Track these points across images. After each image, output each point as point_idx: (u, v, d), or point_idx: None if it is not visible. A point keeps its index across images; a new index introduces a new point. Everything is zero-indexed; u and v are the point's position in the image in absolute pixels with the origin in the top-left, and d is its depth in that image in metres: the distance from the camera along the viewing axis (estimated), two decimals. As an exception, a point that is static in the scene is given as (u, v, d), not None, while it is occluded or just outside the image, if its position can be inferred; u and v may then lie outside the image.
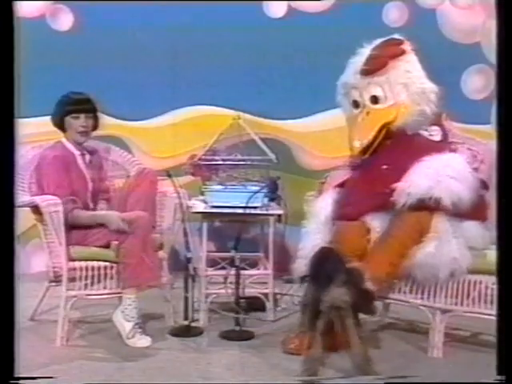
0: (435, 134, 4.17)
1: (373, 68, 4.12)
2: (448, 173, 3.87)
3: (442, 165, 3.91)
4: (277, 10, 5.72)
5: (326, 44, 5.51)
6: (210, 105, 5.70)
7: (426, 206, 3.85)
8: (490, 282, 3.81)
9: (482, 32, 5.46)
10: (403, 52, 4.14)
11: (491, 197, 3.92)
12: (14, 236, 2.56)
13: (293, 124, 5.77)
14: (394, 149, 4.08)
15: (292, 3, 5.72)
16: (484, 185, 4.00)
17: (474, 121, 5.18)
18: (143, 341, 4.14)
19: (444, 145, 4.16)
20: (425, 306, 4.02)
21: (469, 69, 5.69)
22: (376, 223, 4.01)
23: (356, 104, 4.23)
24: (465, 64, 5.68)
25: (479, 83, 5.64)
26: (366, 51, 4.19)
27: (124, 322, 4.16)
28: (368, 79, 4.14)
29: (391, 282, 4.00)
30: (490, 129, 4.83)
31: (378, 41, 4.21)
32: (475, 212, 3.93)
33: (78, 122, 4.34)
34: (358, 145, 4.10)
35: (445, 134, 4.20)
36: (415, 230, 3.89)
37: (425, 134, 4.16)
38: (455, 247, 3.89)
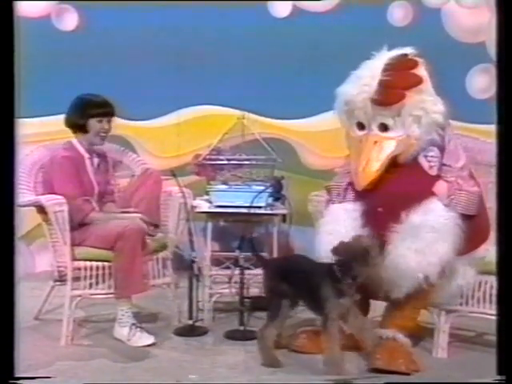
0: (434, 163, 3.91)
1: (389, 101, 3.85)
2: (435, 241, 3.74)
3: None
4: (281, 10, 5.71)
5: (330, 43, 5.50)
6: (215, 104, 5.69)
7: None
8: (495, 283, 3.79)
9: (486, 31, 5.44)
10: (420, 81, 3.87)
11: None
12: (15, 235, 2.57)
13: (297, 124, 5.76)
14: (397, 182, 3.88)
15: (297, 3, 5.70)
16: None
17: (478, 120, 5.16)
18: (144, 339, 4.14)
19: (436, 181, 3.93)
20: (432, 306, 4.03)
21: (474, 68, 5.67)
22: None
23: (361, 126, 3.98)
24: (470, 63, 5.65)
25: (484, 83, 5.62)
26: (375, 68, 3.91)
27: (120, 329, 4.18)
28: (380, 109, 3.88)
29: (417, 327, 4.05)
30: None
31: (387, 55, 3.95)
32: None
33: (100, 125, 4.34)
34: (362, 180, 3.91)
35: (441, 159, 3.94)
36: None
37: (424, 164, 3.92)
38: (460, 273, 3.90)
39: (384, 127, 3.92)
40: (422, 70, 3.93)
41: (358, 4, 5.54)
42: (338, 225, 3.92)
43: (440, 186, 3.86)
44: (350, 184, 4.04)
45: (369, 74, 3.92)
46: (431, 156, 3.91)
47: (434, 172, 3.90)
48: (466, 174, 3.94)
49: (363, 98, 3.89)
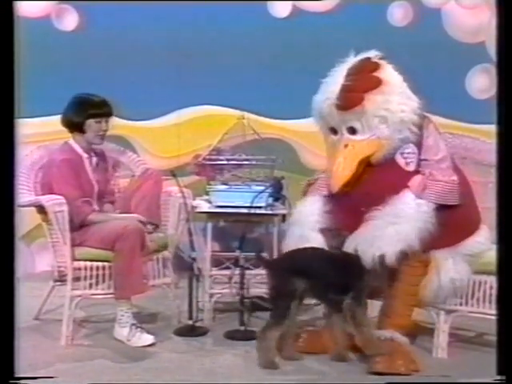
0: (410, 159, 3.95)
1: (348, 104, 3.89)
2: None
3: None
4: (281, 10, 5.72)
5: (330, 43, 5.49)
6: (215, 105, 5.70)
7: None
8: (495, 283, 3.79)
9: (486, 31, 5.44)
10: (379, 83, 3.90)
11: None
12: (15, 235, 2.57)
13: (297, 124, 5.76)
14: (373, 184, 3.92)
15: (296, 3, 5.71)
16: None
17: (478, 120, 5.16)
18: (144, 339, 4.14)
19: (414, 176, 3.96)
20: (430, 306, 4.02)
21: (473, 68, 5.67)
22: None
23: (333, 130, 4.04)
24: (469, 63, 5.65)
25: (484, 82, 5.62)
26: (339, 73, 3.99)
27: (120, 330, 4.18)
28: (344, 113, 3.93)
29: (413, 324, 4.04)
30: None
31: (352, 60, 4.01)
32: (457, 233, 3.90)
33: (99, 125, 4.34)
34: (340, 175, 3.96)
35: (419, 156, 3.97)
36: (418, 267, 3.88)
37: (400, 161, 3.96)
38: (452, 267, 3.89)
39: (352, 130, 3.97)
40: (383, 72, 3.96)
41: (358, 4, 5.55)
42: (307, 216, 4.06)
43: (414, 179, 3.91)
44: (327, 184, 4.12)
45: (333, 81, 4.00)
46: (408, 153, 3.95)
47: (411, 168, 3.95)
48: (446, 166, 3.95)
49: (328, 104, 3.98)
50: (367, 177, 3.95)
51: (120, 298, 4.17)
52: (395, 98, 3.92)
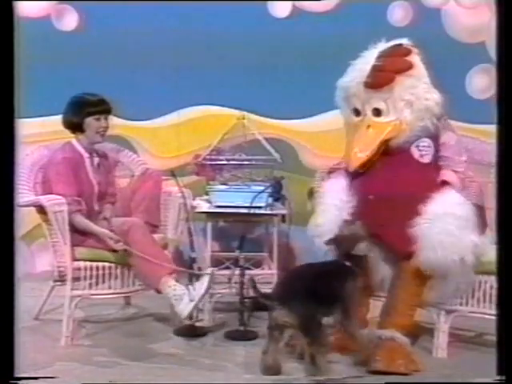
0: (425, 152, 4.02)
1: (378, 82, 3.99)
2: (461, 227, 3.82)
3: (452, 218, 3.82)
4: (281, 10, 5.71)
5: (330, 44, 5.49)
6: (215, 105, 5.69)
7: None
8: (495, 282, 3.79)
9: (486, 31, 5.43)
10: (410, 66, 4.02)
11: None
12: (15, 236, 2.57)
13: (297, 124, 5.75)
14: (389, 168, 3.99)
15: (296, 3, 5.70)
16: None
17: (478, 120, 5.16)
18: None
19: (432, 171, 4.05)
20: (430, 306, 4.02)
21: (473, 68, 5.67)
22: None
23: (357, 112, 4.12)
24: (469, 63, 5.64)
25: (484, 83, 5.61)
26: (370, 56, 4.07)
27: (184, 305, 4.05)
28: (371, 92, 4.03)
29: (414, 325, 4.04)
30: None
31: (384, 45, 4.10)
32: None
33: (98, 123, 4.34)
34: (355, 160, 4.03)
35: (436, 149, 4.06)
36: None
37: (415, 153, 4.02)
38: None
39: (377, 112, 4.04)
40: (414, 58, 4.06)
41: (358, 4, 5.54)
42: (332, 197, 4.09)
43: (450, 176, 3.99)
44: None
45: (363, 61, 4.09)
46: (423, 146, 4.02)
47: (425, 160, 4.02)
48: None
49: (356, 82, 4.06)
50: (383, 164, 4.01)
51: (153, 287, 4.15)
52: (422, 85, 4.03)
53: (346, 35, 5.40)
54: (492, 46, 5.41)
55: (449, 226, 3.79)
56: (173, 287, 4.08)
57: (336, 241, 3.86)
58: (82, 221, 4.23)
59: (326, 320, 3.74)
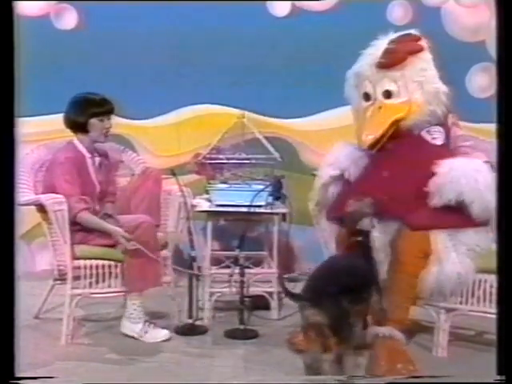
0: (437, 136, 4.13)
1: (390, 62, 4.10)
2: (480, 180, 3.83)
3: (473, 169, 3.87)
4: (281, 9, 5.71)
5: (330, 42, 5.50)
6: (215, 103, 5.69)
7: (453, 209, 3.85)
8: (495, 281, 3.79)
9: (486, 30, 5.43)
10: (421, 49, 4.14)
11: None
12: (15, 234, 2.57)
13: (297, 122, 5.76)
14: (401, 148, 4.06)
15: (296, 3, 5.70)
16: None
17: (479, 119, 5.15)
18: (159, 335, 4.20)
19: (446, 150, 4.13)
20: (429, 304, 4.02)
21: (474, 67, 5.67)
22: None
23: (367, 96, 4.20)
24: (470, 62, 5.65)
25: (484, 81, 5.61)
26: (381, 43, 4.17)
27: (132, 325, 4.19)
28: (383, 73, 4.13)
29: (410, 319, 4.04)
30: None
31: (395, 34, 4.19)
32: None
33: (102, 123, 4.33)
34: (367, 138, 4.08)
35: (447, 137, 4.17)
36: (419, 258, 3.88)
37: (427, 137, 4.12)
38: (456, 261, 3.88)
39: (388, 94, 4.14)
40: (424, 44, 4.18)
41: (358, 3, 5.54)
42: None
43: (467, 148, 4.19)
44: None
45: (375, 47, 4.19)
46: (434, 131, 4.14)
47: (438, 142, 4.14)
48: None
49: (369, 64, 4.16)
50: (393, 145, 4.07)
51: (133, 292, 4.18)
52: (432, 70, 4.15)
53: (345, 34, 5.41)
54: (492, 45, 5.41)
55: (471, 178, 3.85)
56: (137, 305, 4.20)
57: (342, 216, 3.88)
58: (91, 218, 4.23)
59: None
